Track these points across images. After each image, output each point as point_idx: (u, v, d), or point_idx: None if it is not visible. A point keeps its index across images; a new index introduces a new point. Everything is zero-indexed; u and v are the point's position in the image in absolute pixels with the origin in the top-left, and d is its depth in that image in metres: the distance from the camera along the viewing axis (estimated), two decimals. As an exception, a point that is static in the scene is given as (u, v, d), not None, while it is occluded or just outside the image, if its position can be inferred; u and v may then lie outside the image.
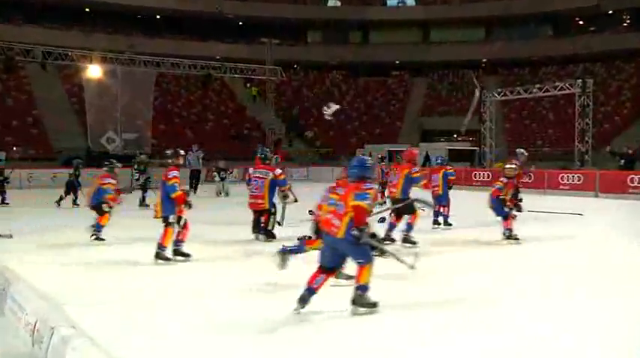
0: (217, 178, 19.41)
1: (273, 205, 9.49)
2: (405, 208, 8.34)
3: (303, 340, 4.48)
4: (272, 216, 9.44)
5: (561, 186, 19.87)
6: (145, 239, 8.26)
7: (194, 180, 15.62)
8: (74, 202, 15.09)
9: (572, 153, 25.54)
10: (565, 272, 6.84)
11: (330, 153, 35.45)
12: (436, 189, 11.08)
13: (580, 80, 25.30)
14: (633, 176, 17.55)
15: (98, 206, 9.23)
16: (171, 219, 7.41)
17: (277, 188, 9.38)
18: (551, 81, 29.86)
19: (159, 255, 7.39)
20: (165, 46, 37.04)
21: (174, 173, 7.49)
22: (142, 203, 14.89)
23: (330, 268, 5.11)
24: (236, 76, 34.08)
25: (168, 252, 7.41)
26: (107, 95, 27.71)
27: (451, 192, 11.17)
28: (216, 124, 36.77)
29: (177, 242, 7.50)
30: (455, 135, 41.03)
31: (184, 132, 34.36)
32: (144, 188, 15.06)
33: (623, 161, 18.77)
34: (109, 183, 9.48)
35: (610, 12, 39.46)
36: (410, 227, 8.53)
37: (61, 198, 15.11)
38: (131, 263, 7.50)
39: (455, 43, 43.23)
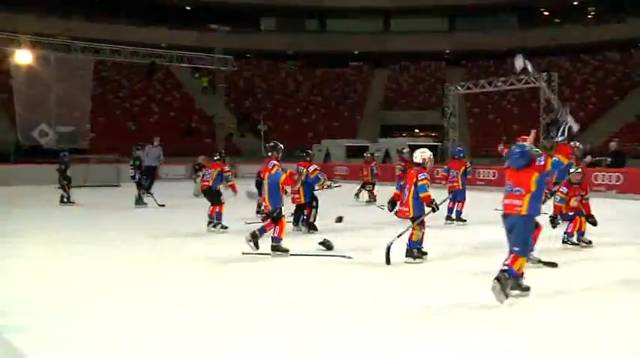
0: (197, 177, 17.50)
1: (315, 198, 10.30)
2: None
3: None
4: (315, 209, 10.24)
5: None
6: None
7: (148, 178, 15.12)
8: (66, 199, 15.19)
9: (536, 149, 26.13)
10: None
11: (285, 148, 35.28)
12: (455, 184, 11.40)
13: (545, 73, 25.92)
14: (597, 173, 18.03)
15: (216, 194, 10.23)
16: (283, 211, 8.02)
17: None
18: (516, 74, 30.41)
19: (276, 248, 7.88)
20: (105, 30, 36.14)
21: (274, 162, 8.13)
22: (140, 201, 14.76)
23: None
24: (183, 65, 33.56)
25: (284, 244, 7.95)
26: (39, 84, 26.69)
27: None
28: (162, 117, 36.14)
29: (276, 238, 7.95)
30: (417, 130, 41.53)
31: (126, 125, 33.68)
32: (140, 185, 14.87)
33: (588, 157, 19.20)
34: (229, 171, 10.67)
35: (575, 4, 40.63)
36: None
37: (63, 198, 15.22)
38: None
39: (417, 33, 43.69)
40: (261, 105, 40.86)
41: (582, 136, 30.62)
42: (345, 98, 43.44)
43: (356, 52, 45.68)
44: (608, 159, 17.40)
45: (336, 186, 11.13)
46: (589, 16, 41.43)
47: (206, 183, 10.60)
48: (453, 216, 11.48)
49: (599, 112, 34.94)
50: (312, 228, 10.10)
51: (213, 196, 10.49)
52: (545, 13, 42.71)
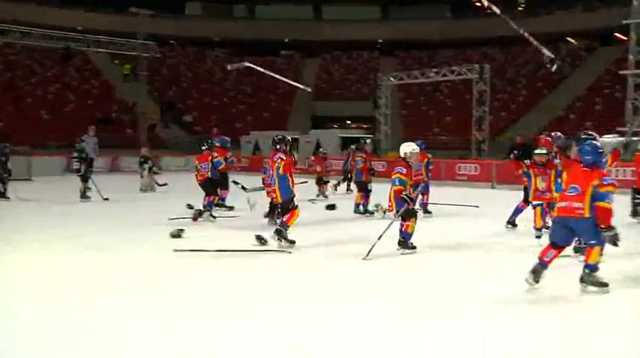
0: (144, 170, 17.23)
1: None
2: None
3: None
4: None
5: (458, 177, 20.80)
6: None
7: (88, 169, 14.64)
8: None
9: (469, 141, 26.86)
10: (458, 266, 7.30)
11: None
12: (420, 176, 11.40)
13: (477, 65, 26.62)
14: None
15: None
16: (296, 201, 8.46)
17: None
18: (449, 65, 31.16)
19: (280, 233, 8.25)
20: (14, 11, 34.41)
21: (279, 155, 8.54)
22: (84, 194, 14.43)
23: (561, 246, 6.06)
24: (101, 50, 32.48)
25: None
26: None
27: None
28: (79, 106, 34.81)
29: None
30: (349, 122, 41.84)
31: (39, 114, 32.29)
32: (85, 178, 14.54)
33: (516, 152, 19.88)
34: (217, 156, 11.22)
35: (507, -5, 41.91)
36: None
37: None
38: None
39: (349, 22, 43.97)
40: (187, 95, 40.20)
41: (512, 129, 31.83)
42: (275, 88, 43.26)
43: (286, 41, 45.53)
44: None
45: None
46: (519, 8, 42.82)
47: (204, 176, 11.31)
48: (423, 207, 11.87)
49: (529, 105, 36.25)
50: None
51: (208, 186, 11.24)
52: (478, 4, 43.85)
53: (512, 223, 9.97)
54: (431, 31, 42.33)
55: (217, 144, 12.36)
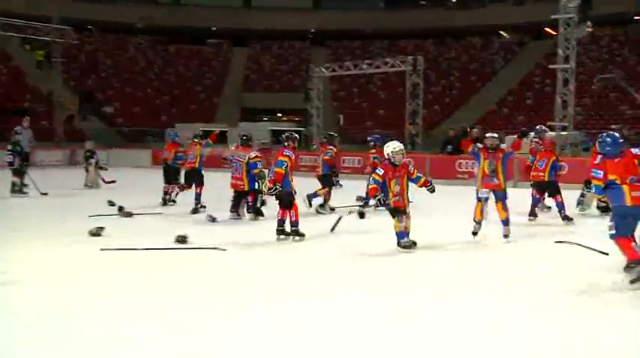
0: (90, 165, 16.86)
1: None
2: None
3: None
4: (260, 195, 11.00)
5: (391, 171, 21.12)
6: None
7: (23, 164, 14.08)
8: None
9: (403, 135, 27.32)
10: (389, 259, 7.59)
11: (135, 134, 34.08)
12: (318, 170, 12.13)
13: (411, 57, 27.10)
14: (461, 161, 19.23)
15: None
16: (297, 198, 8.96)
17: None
18: (382, 57, 31.56)
19: (297, 233, 8.83)
20: None
21: (287, 151, 8.97)
22: (19, 189, 14.21)
23: (632, 234, 6.41)
24: (11, 34, 31.14)
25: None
26: None
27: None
28: (-14, 94, 33.44)
29: (284, 222, 8.88)
30: (280, 114, 41.77)
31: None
32: (21, 172, 14.31)
33: (450, 147, 20.45)
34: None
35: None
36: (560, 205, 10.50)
37: None
38: None
39: (280, 10, 43.79)
40: (107, 85, 39.18)
41: (446, 123, 32.63)
42: (202, 78, 42.77)
43: (214, 29, 44.97)
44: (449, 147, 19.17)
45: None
46: (452, 1, 43.79)
47: (191, 165, 12.09)
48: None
49: (463, 98, 37.23)
50: (258, 213, 10.86)
51: (196, 177, 11.97)
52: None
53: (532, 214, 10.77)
54: (364, 22, 42.76)
55: (175, 140, 13.20)
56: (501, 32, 43.16)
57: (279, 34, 44.84)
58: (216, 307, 5.60)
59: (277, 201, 8.89)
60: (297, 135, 9.42)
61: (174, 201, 12.64)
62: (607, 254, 7.25)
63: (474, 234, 8.73)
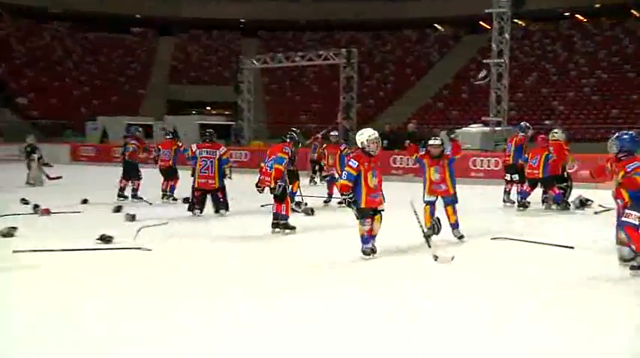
0: (32, 161, 16.19)
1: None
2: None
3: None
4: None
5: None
6: None
7: None
8: None
9: (337, 129, 27.47)
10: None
11: (52, 127, 33.06)
12: (332, 170, 12.64)
13: (345, 50, 27.25)
14: (395, 156, 19.50)
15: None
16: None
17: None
18: (316, 49, 31.64)
19: (287, 226, 9.28)
20: None
21: (286, 148, 9.41)
22: None
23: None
24: None
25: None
26: None
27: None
28: None
29: (280, 215, 9.31)
30: (209, 107, 41.38)
31: None
32: None
33: (385, 142, 20.72)
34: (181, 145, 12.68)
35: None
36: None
37: None
38: None
39: (209, -1, 43.41)
40: (20, 74, 37.90)
41: (380, 117, 33.03)
42: (126, 68, 41.94)
43: (138, 16, 44.07)
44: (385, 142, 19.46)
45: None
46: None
47: (165, 163, 12.82)
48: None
49: (398, 92, 37.77)
50: (226, 208, 11.14)
51: (170, 173, 12.85)
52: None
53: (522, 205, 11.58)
54: (296, 12, 42.74)
55: (136, 135, 13.70)
56: (436, 25, 43.98)
57: (208, 23, 44.37)
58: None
59: (273, 196, 9.27)
60: (296, 135, 9.85)
61: (175, 199, 12.77)
62: (572, 248, 7.90)
63: (429, 242, 7.81)
